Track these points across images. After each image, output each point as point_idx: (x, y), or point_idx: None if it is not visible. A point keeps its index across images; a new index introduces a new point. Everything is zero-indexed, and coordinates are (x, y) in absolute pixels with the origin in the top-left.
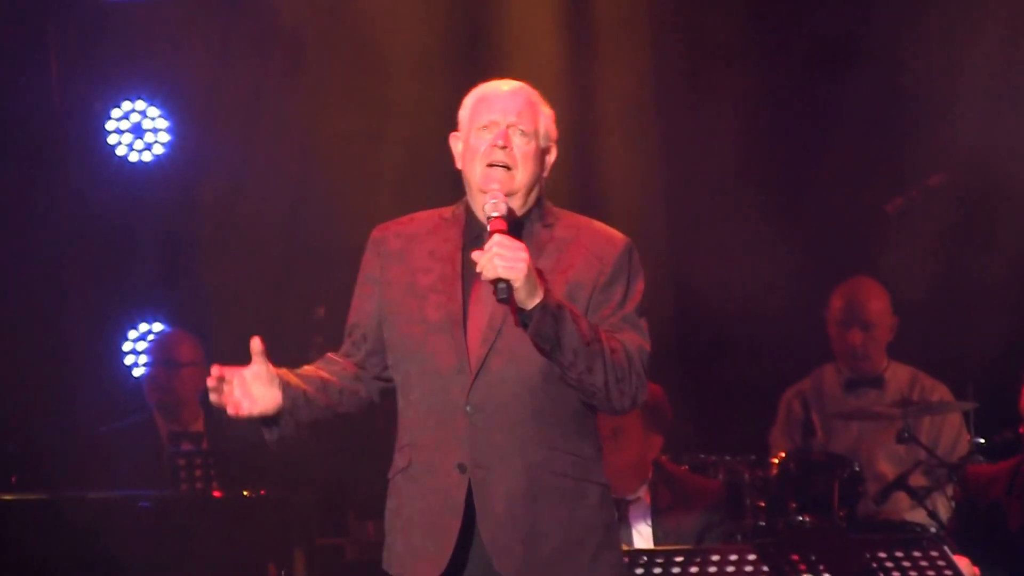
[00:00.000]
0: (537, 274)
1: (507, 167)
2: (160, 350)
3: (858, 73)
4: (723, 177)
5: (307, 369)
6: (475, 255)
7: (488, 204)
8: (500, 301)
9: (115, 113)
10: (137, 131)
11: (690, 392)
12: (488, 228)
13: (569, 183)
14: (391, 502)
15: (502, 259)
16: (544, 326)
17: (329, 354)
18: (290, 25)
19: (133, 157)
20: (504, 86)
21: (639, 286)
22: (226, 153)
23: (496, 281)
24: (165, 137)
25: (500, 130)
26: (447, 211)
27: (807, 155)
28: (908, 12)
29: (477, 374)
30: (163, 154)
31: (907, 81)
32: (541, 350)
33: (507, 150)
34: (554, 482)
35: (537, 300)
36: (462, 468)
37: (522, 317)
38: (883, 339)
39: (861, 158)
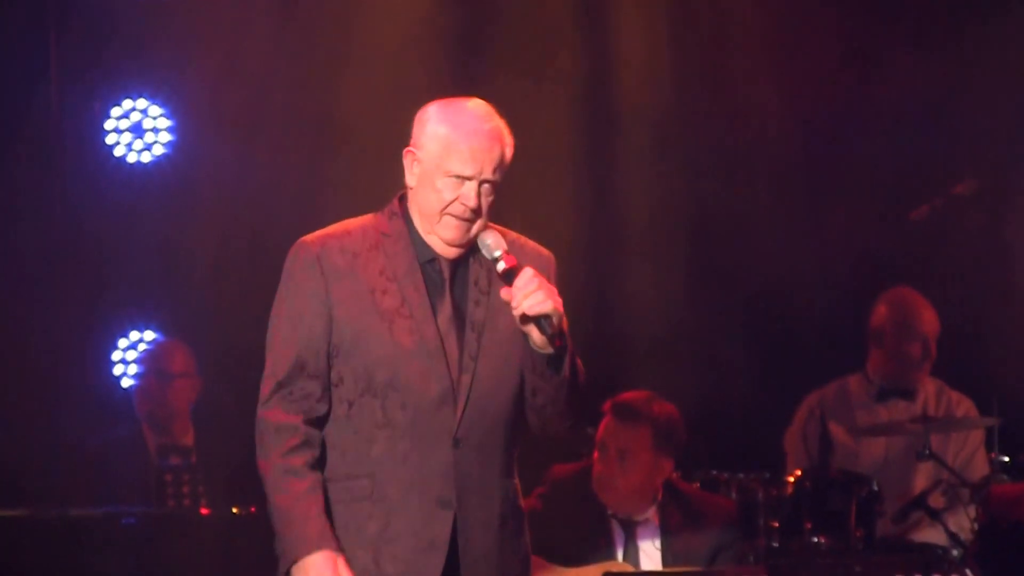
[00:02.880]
0: None
1: (470, 220)
2: (152, 360)
3: (887, 77)
4: (743, 187)
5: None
6: (504, 292)
7: (491, 241)
8: (550, 338)
9: (115, 111)
10: (137, 131)
11: (705, 404)
12: (503, 264)
13: (588, 182)
14: (347, 520)
15: (546, 294)
16: (569, 361)
17: (289, 461)
18: (302, 21)
19: (132, 158)
20: (481, 124)
21: None
22: (230, 156)
23: (540, 318)
24: (166, 137)
25: (472, 188)
26: (381, 224)
27: (834, 162)
28: (936, 17)
29: (466, 405)
30: (163, 155)
31: (933, 87)
32: (543, 379)
33: (476, 211)
34: (512, 512)
35: (567, 337)
36: (445, 503)
37: (542, 358)
38: (934, 356)
39: (888, 165)
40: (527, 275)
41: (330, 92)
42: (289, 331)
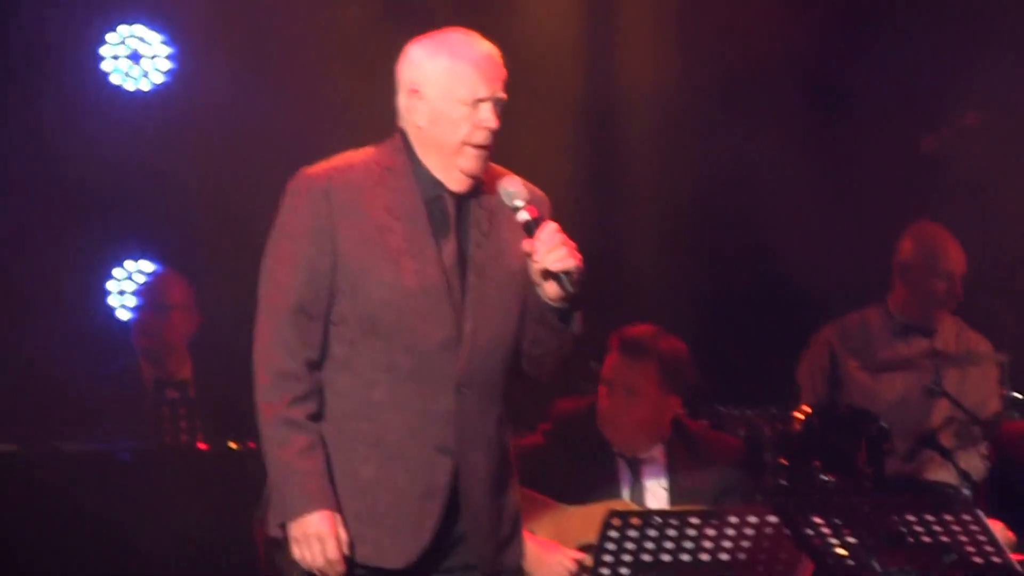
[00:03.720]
0: None
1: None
2: (149, 292)
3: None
4: (752, 123)
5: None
6: (526, 244)
7: (513, 189)
8: (569, 295)
9: (111, 38)
10: (135, 58)
11: (714, 338)
12: (525, 214)
13: (602, 150)
14: (342, 463)
15: (568, 249)
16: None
17: (291, 413)
18: None
19: (129, 86)
20: (483, 47)
21: None
22: (231, 84)
23: (561, 273)
24: (166, 65)
25: (489, 109)
26: (383, 158)
27: (843, 95)
28: None
29: (469, 350)
30: (162, 83)
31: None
32: (550, 332)
33: (495, 132)
34: (506, 460)
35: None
36: (445, 450)
37: (554, 312)
38: (960, 295)
39: (899, 99)
40: (550, 229)
41: (333, 17)
42: (291, 268)
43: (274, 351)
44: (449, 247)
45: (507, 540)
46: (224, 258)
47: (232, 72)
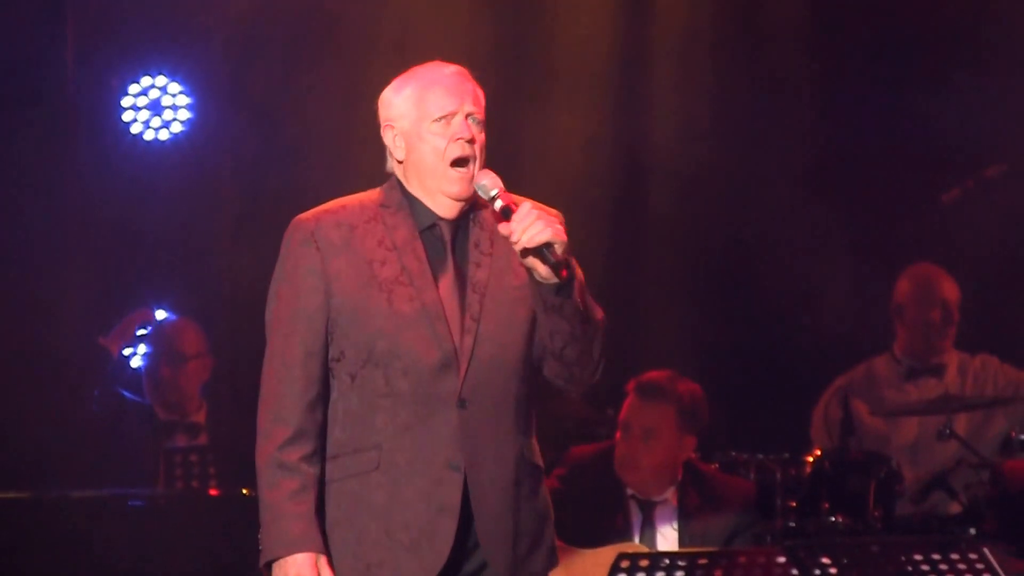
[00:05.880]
0: None
1: (470, 161)
2: (164, 342)
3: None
4: (774, 167)
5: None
6: (502, 227)
7: (486, 181)
8: (555, 267)
9: (132, 88)
10: (155, 108)
11: (726, 385)
12: (500, 201)
13: (621, 162)
14: (335, 512)
15: (546, 223)
16: (581, 293)
17: (282, 455)
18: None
19: (149, 135)
20: (446, 69)
21: None
22: (250, 135)
23: (543, 248)
24: (185, 115)
25: (461, 121)
26: (380, 196)
27: (863, 145)
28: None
29: (468, 366)
30: (182, 132)
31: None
32: (558, 323)
33: (472, 143)
34: (526, 471)
35: (574, 267)
36: (455, 466)
37: (550, 289)
38: (957, 322)
39: (917, 148)
40: (524, 208)
41: (352, 68)
42: (289, 311)
43: (272, 395)
44: (447, 271)
45: (531, 548)
46: (240, 305)
47: (249, 121)
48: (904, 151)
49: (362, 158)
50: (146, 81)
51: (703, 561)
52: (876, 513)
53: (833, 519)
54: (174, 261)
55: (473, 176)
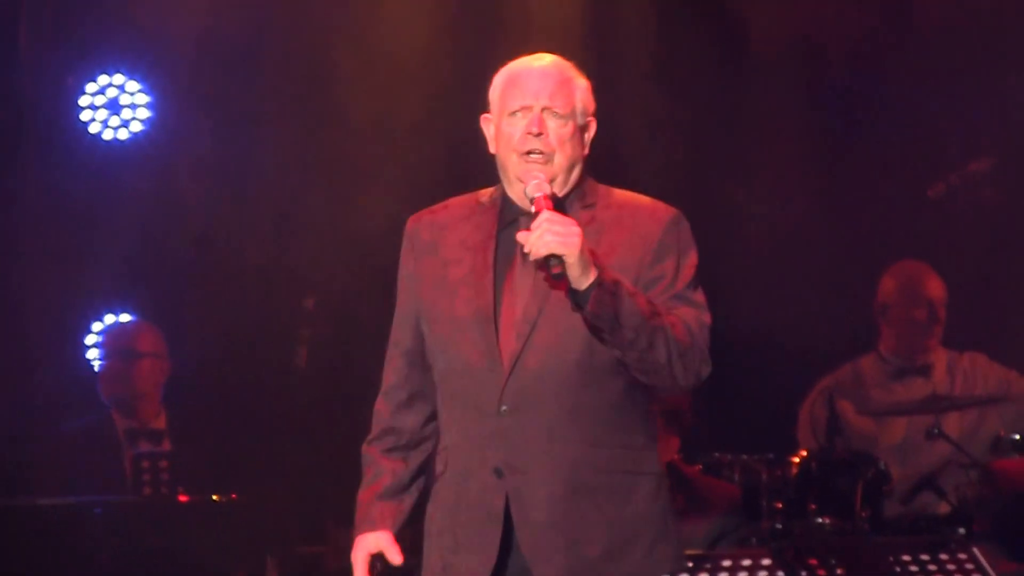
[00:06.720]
0: (589, 252)
1: (543, 154)
2: (116, 340)
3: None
4: (754, 166)
5: (371, 493)
6: (520, 236)
7: (530, 186)
8: (554, 279)
9: (90, 87)
10: (114, 107)
11: (709, 385)
12: (533, 209)
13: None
14: (429, 507)
15: (553, 234)
16: (603, 304)
17: (369, 449)
18: None
19: (108, 135)
20: (535, 63)
21: (691, 259)
22: (210, 133)
23: (548, 259)
24: (144, 114)
25: (534, 116)
26: (484, 194)
27: (847, 141)
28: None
29: (511, 372)
30: (141, 132)
31: (951, 64)
32: (597, 332)
33: (542, 137)
34: (598, 480)
35: (592, 278)
36: (498, 472)
37: (575, 298)
38: (943, 321)
39: (902, 143)
40: (540, 218)
41: (312, 66)
42: (398, 314)
43: (381, 395)
44: (514, 272)
45: (607, 557)
46: (205, 310)
47: (210, 120)
48: (887, 147)
49: (320, 156)
50: (103, 79)
51: (688, 564)
52: (864, 514)
53: (820, 520)
54: (134, 262)
55: (550, 165)
